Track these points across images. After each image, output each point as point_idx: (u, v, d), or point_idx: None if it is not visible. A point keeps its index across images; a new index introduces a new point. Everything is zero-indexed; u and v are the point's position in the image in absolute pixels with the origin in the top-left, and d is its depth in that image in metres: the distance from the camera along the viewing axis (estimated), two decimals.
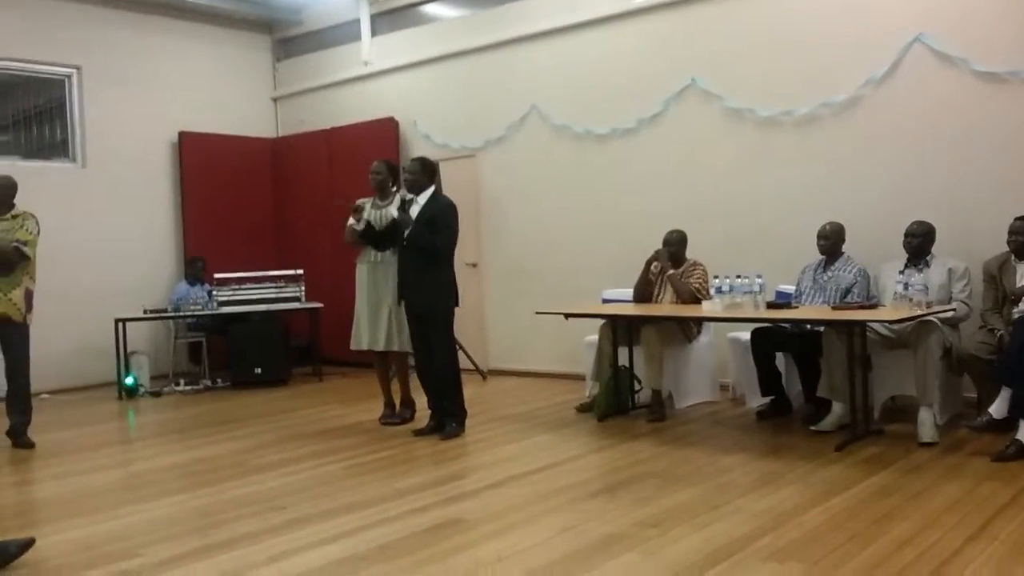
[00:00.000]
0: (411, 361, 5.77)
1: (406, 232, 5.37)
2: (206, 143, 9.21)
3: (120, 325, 7.61)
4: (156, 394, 7.70)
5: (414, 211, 5.39)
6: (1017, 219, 5.01)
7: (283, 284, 8.20)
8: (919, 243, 5.27)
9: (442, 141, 8.41)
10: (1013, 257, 5.05)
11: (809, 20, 6.22)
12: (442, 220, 5.38)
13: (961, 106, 5.64)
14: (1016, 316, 4.83)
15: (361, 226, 5.54)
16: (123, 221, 8.74)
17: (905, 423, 5.07)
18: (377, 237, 5.57)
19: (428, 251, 5.34)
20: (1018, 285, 4.94)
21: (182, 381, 8.03)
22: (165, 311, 8.00)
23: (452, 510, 3.90)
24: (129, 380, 7.65)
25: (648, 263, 6.12)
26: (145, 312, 7.94)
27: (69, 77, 8.61)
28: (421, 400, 6.03)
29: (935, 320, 4.90)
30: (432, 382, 5.57)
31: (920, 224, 5.31)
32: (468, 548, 3.39)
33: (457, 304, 5.55)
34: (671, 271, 5.99)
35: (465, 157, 8.16)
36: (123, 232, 8.73)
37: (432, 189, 5.48)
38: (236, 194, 9.39)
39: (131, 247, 8.77)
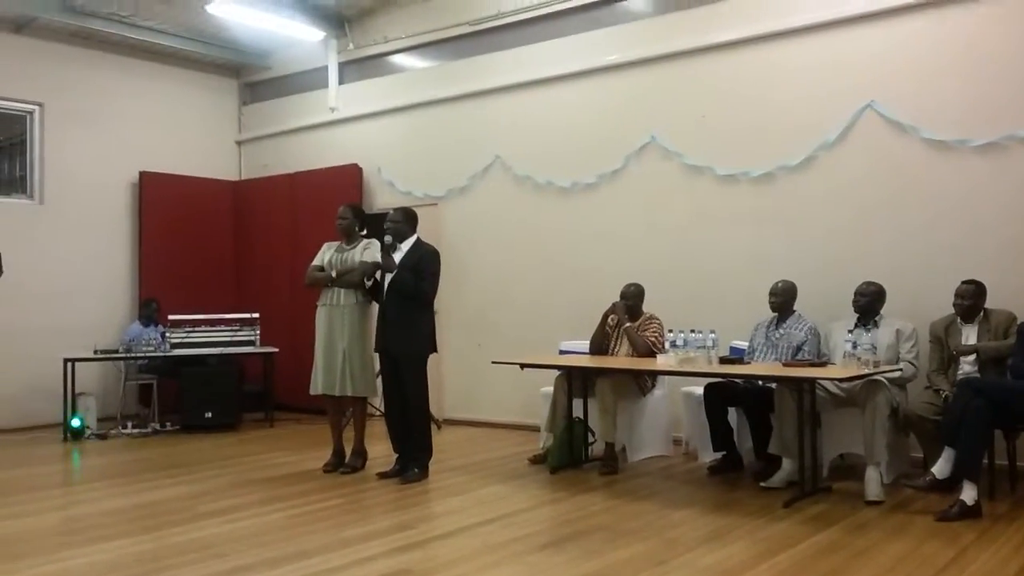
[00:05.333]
0: (370, 409, 5.74)
1: (389, 277, 5.43)
2: (167, 184, 9.16)
3: (69, 365, 7.46)
4: (103, 436, 7.53)
5: (397, 257, 5.49)
6: (963, 283, 5.15)
7: (238, 327, 8.09)
8: (867, 303, 5.38)
9: (405, 189, 8.46)
10: (959, 320, 5.18)
11: (767, 83, 6.39)
12: (426, 266, 5.51)
13: (911, 172, 5.81)
14: (960, 378, 4.95)
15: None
16: (78, 259, 8.63)
17: (852, 481, 5.11)
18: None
19: (411, 296, 5.44)
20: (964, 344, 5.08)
21: (130, 424, 7.85)
22: (116, 352, 7.85)
23: (399, 560, 3.85)
24: (75, 422, 7.46)
25: (605, 315, 6.17)
26: (96, 352, 7.79)
27: (31, 114, 8.56)
28: (374, 450, 6.00)
29: (883, 380, 4.98)
30: (400, 426, 5.56)
31: (869, 284, 5.43)
32: None
33: (435, 350, 5.65)
34: (628, 324, 6.04)
35: (428, 205, 8.19)
36: (78, 270, 8.60)
37: (415, 237, 5.61)
38: (195, 236, 9.33)
39: (85, 286, 8.64)
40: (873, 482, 4.78)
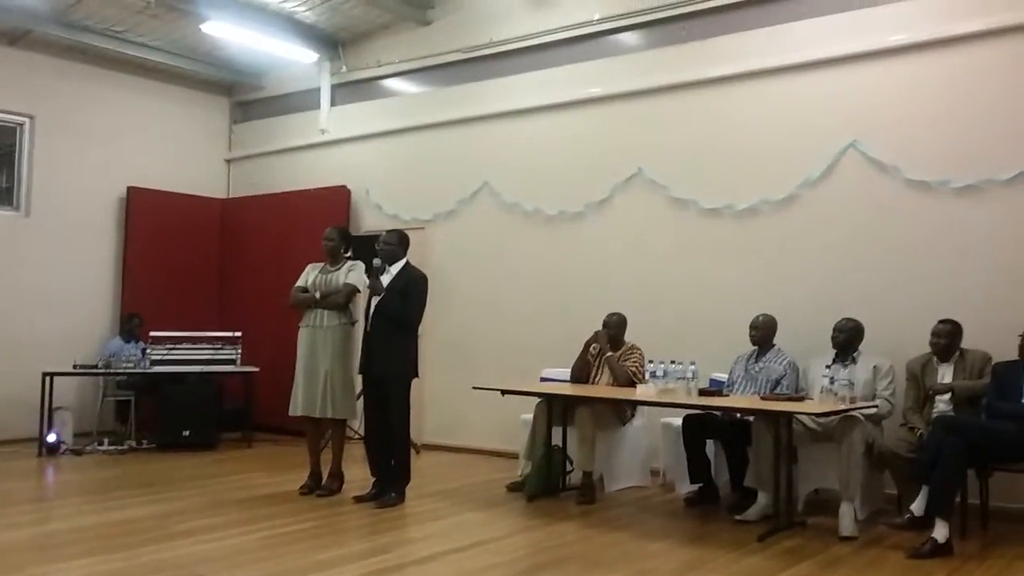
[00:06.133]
0: (348, 432, 5.72)
1: (375, 299, 5.43)
2: (154, 199, 9.16)
3: (47, 379, 7.39)
4: (78, 452, 7.46)
5: (385, 280, 5.49)
6: (940, 322, 5.22)
7: (220, 346, 8.06)
8: (845, 339, 5.44)
9: (393, 212, 8.49)
10: (935, 359, 5.23)
11: (753, 120, 6.48)
12: (413, 290, 5.52)
13: (892, 211, 5.89)
14: (935, 416, 4.99)
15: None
16: (62, 272, 8.59)
17: (827, 516, 5.11)
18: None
19: (397, 319, 5.43)
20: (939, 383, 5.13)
21: (106, 440, 7.78)
22: (96, 367, 7.80)
23: None
24: (51, 437, 7.38)
25: (587, 344, 6.20)
26: (75, 367, 7.73)
27: (21, 125, 8.56)
28: (351, 473, 5.97)
29: (859, 416, 5.02)
30: (379, 450, 5.55)
31: (848, 321, 5.49)
32: None
33: (416, 375, 5.62)
34: (609, 353, 6.07)
35: (415, 229, 8.21)
36: (61, 283, 8.57)
37: (405, 261, 5.62)
38: (181, 252, 9.31)
39: (67, 299, 8.59)
40: (847, 518, 4.80)
